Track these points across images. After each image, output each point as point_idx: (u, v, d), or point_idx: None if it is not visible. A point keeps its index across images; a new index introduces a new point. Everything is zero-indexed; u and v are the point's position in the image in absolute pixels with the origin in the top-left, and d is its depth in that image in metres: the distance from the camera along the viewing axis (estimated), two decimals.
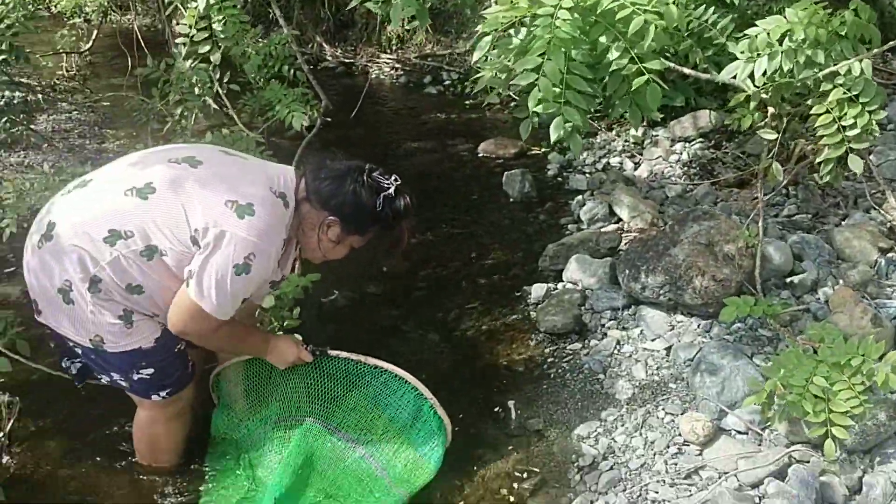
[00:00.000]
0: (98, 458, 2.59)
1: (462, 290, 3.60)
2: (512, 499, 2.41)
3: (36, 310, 2.21)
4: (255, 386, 2.50)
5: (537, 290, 3.39)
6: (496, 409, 2.77)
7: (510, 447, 2.61)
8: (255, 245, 2.05)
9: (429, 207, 4.39)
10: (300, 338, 2.51)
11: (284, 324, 2.94)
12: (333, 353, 2.42)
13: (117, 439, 2.61)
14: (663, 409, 2.59)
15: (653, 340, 2.93)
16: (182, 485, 2.50)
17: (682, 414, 2.55)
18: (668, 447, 2.44)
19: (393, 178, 2.21)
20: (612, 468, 2.42)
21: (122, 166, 2.21)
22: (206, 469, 2.53)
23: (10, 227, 3.16)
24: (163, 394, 2.31)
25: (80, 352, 2.24)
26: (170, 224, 2.05)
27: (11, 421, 2.66)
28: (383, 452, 2.38)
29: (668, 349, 2.86)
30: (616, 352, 2.94)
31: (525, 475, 2.48)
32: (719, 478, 2.27)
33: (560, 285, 3.44)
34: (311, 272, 3.05)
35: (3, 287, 3.54)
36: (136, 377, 2.24)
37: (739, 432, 2.43)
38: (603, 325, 3.09)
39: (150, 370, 2.23)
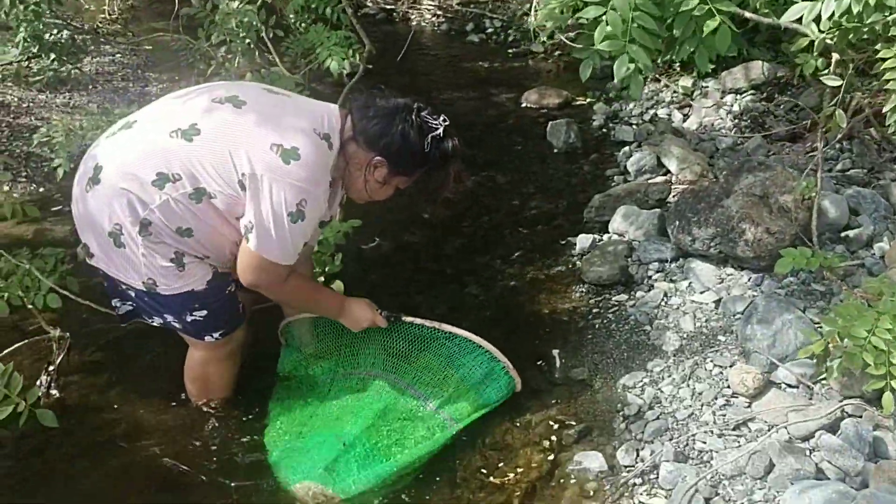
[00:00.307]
0: (147, 393, 2.62)
1: (505, 240, 3.57)
2: (556, 446, 2.39)
3: (87, 254, 2.22)
4: (326, 336, 2.53)
5: (582, 240, 3.35)
6: (539, 360, 2.74)
7: (554, 396, 2.59)
8: (304, 191, 2.02)
9: (471, 157, 4.34)
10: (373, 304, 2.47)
11: (326, 269, 2.93)
12: (408, 319, 2.43)
13: (167, 374, 2.62)
14: (712, 362, 2.55)
15: (701, 293, 2.88)
16: (235, 418, 2.53)
17: (730, 366, 2.50)
18: (716, 399, 2.41)
19: (441, 118, 2.16)
20: (658, 418, 2.40)
21: (165, 106, 2.18)
22: (271, 406, 2.54)
23: (63, 166, 3.18)
24: (216, 335, 2.32)
25: (132, 294, 2.24)
26: (216, 167, 2.03)
27: (62, 355, 2.70)
28: (453, 406, 2.41)
29: (718, 302, 2.81)
30: (663, 304, 2.90)
31: (569, 423, 2.47)
32: (769, 430, 2.23)
33: (606, 237, 3.39)
34: (352, 218, 3.04)
35: (52, 226, 3.58)
36: (189, 319, 2.25)
37: (790, 386, 2.39)
38: (650, 277, 3.04)
39: (203, 311, 2.24)
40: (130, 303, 2.33)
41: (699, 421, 2.34)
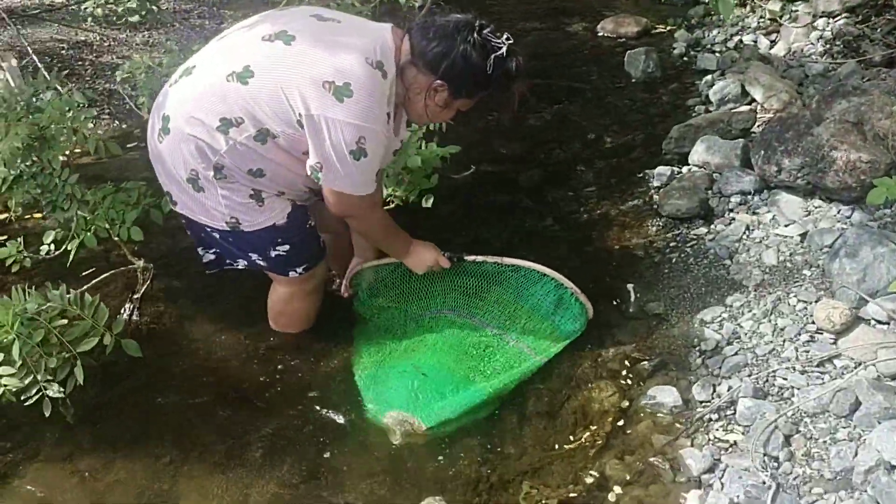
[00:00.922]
0: (229, 323, 2.68)
1: (579, 173, 3.48)
2: (629, 380, 2.35)
3: (171, 201, 2.28)
4: (396, 281, 2.53)
5: (660, 173, 3.24)
6: (614, 294, 2.68)
7: (628, 330, 2.54)
8: (360, 128, 1.98)
9: (544, 89, 4.24)
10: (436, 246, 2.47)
11: (421, 188, 2.94)
12: (470, 258, 2.42)
13: (251, 306, 2.67)
14: (795, 296, 2.45)
15: (786, 226, 2.75)
16: (319, 349, 2.57)
17: (816, 301, 2.40)
18: (800, 334, 2.31)
19: (504, 36, 2.05)
20: (737, 353, 2.32)
21: (218, 48, 2.14)
22: (355, 339, 2.57)
23: (147, 104, 3.20)
24: (299, 269, 2.36)
25: (216, 237, 2.28)
26: (274, 108, 2.01)
27: (145, 285, 2.79)
28: (529, 338, 2.42)
29: (804, 235, 2.68)
30: (745, 237, 2.78)
31: (643, 358, 2.42)
32: (856, 367, 2.14)
33: (685, 169, 3.27)
34: (451, 144, 2.99)
35: (134, 160, 3.66)
36: (273, 254, 2.28)
37: (880, 322, 2.27)
38: (731, 210, 2.93)
39: (286, 246, 2.27)
40: (214, 250, 2.38)
41: (780, 357, 2.26)
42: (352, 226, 2.39)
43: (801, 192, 2.83)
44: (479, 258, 2.44)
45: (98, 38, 4.78)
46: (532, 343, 2.42)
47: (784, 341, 2.31)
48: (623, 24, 4.82)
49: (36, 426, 2.24)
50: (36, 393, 2.12)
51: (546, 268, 2.43)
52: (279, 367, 2.51)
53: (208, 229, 2.25)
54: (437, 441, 2.22)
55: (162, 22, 5.03)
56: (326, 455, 2.20)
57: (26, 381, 2.09)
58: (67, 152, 2.78)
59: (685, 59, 4.42)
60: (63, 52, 4.52)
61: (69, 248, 2.71)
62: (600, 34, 4.88)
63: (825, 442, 1.97)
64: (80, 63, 4.45)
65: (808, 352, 2.25)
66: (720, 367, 2.29)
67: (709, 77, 3.96)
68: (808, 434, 2.01)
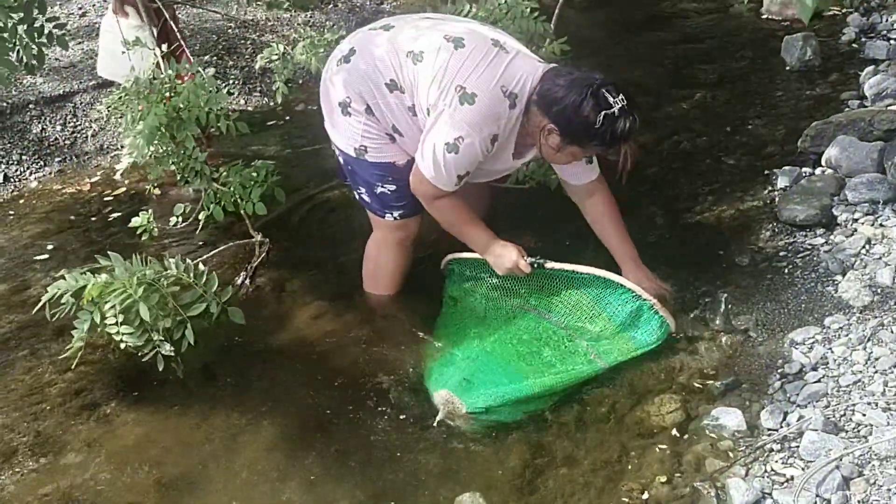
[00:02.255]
0: (330, 301, 2.82)
1: (706, 168, 3.30)
2: (699, 396, 2.23)
3: (324, 117, 2.54)
4: (485, 272, 2.56)
5: (786, 174, 3.00)
6: (704, 303, 2.54)
7: (710, 343, 2.40)
8: (463, 129, 2.22)
9: (690, 74, 4.03)
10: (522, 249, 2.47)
11: None
12: (550, 265, 2.43)
13: (354, 291, 2.80)
14: None
15: None
16: (405, 323, 2.69)
17: None
18: (894, 368, 2.08)
19: (620, 97, 2.17)
20: (819, 381, 2.13)
21: (416, 24, 2.42)
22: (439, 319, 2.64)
23: (281, 90, 3.30)
24: (396, 214, 2.55)
25: (341, 160, 2.56)
26: (422, 92, 2.29)
27: (260, 258, 2.98)
28: (601, 344, 2.38)
29: None
30: (863, 252, 2.53)
31: (719, 374, 2.28)
32: None
33: (818, 171, 3.00)
34: None
35: (270, 139, 3.90)
36: (378, 191, 2.50)
37: None
38: (855, 220, 2.66)
39: (393, 186, 2.48)
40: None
41: (865, 390, 2.05)
42: (428, 211, 2.49)
43: None
44: (558, 266, 2.43)
45: (263, 17, 5.07)
46: (602, 350, 2.36)
47: (875, 373, 2.09)
48: (790, 5, 4.43)
49: (148, 378, 2.48)
50: (150, 350, 2.36)
51: (623, 279, 2.39)
52: (366, 347, 2.61)
53: (338, 152, 2.53)
54: (486, 434, 2.24)
55: (325, 2, 5.26)
56: (374, 438, 2.27)
57: (143, 340, 2.33)
58: (207, 130, 3.01)
59: (853, 46, 4.03)
60: (230, 30, 4.85)
61: (199, 218, 2.96)
62: (764, 16, 4.54)
63: (889, 490, 1.78)
64: (242, 41, 4.76)
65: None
66: (797, 394, 2.12)
67: (871, 67, 3.59)
68: (871, 479, 1.82)
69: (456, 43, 2.29)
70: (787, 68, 3.91)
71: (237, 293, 2.87)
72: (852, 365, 2.14)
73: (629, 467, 2.08)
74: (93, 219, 3.38)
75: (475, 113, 2.22)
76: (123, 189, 3.56)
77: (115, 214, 3.39)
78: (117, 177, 3.29)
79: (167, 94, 2.84)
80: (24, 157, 3.84)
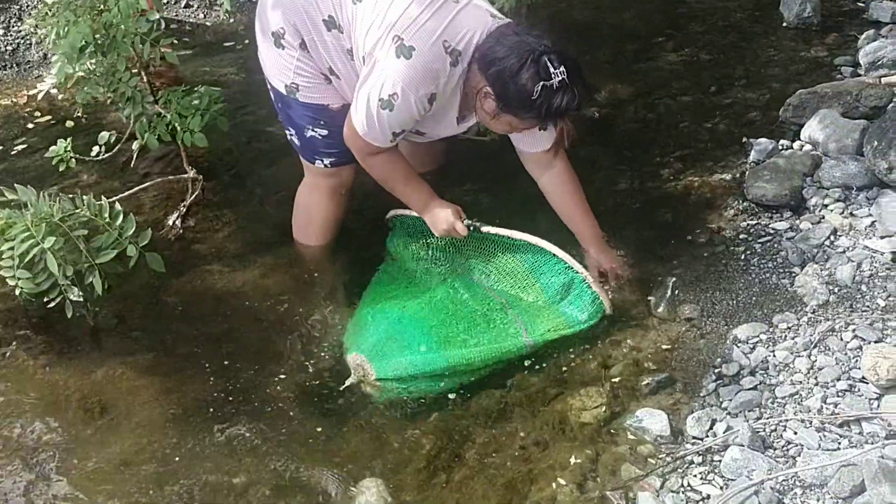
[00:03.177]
0: (262, 244, 2.68)
1: (681, 131, 3.08)
2: (627, 392, 2.08)
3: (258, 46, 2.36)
4: (424, 230, 2.41)
5: (761, 146, 2.78)
6: (651, 285, 2.36)
7: (649, 332, 2.24)
8: (398, 86, 2.04)
9: (683, 22, 3.75)
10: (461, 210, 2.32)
11: None
12: (486, 229, 2.29)
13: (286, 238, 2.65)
14: (854, 331, 2.03)
15: (882, 238, 2.28)
16: (339, 268, 2.58)
17: (875, 342, 1.98)
18: (838, 380, 1.92)
19: (561, 68, 1.96)
20: (755, 388, 1.97)
21: None
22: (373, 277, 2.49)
23: (226, 5, 3.10)
24: (326, 161, 2.38)
25: (272, 96, 2.37)
26: (359, 35, 2.11)
27: (193, 196, 2.79)
28: (530, 315, 2.25)
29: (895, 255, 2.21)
30: (828, 243, 2.34)
31: (652, 368, 2.12)
32: (885, 438, 1.74)
33: (797, 144, 2.78)
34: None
35: (222, 64, 3.66)
36: (308, 135, 2.33)
37: None
38: (825, 206, 2.46)
39: (325, 131, 2.31)
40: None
41: (801, 405, 1.89)
42: (362, 166, 2.33)
43: None
44: (493, 230, 2.29)
45: None
46: (530, 322, 2.22)
47: (815, 385, 1.93)
48: None
49: (58, 325, 2.34)
50: (57, 296, 2.20)
51: (559, 250, 2.24)
52: (288, 303, 2.47)
53: (269, 85, 2.35)
54: (398, 410, 2.13)
55: None
56: (279, 405, 2.15)
57: (45, 285, 2.16)
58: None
59: (859, 4, 3.73)
60: None
61: (133, 148, 2.76)
62: None
63: None
64: None
65: (836, 405, 1.86)
66: (730, 400, 1.96)
67: (870, 32, 3.31)
68: None
69: None
70: (784, 24, 3.63)
71: (167, 233, 2.70)
72: (793, 373, 1.97)
73: (543, 465, 1.94)
74: (16, 140, 3.16)
75: (411, 69, 2.03)
76: (59, 107, 3.33)
77: (41, 136, 3.17)
78: (39, 97, 3.04)
79: (100, 8, 2.58)
80: None
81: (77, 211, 2.22)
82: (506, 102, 2.03)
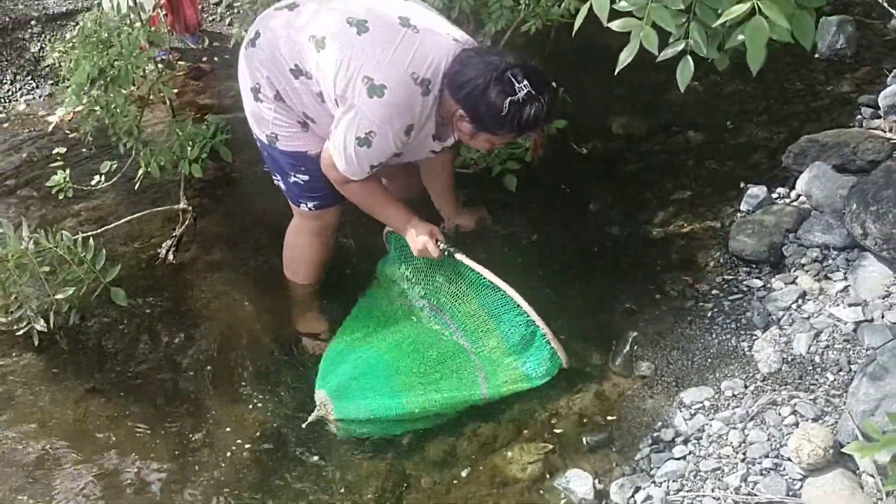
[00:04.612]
0: (252, 277, 2.83)
1: (685, 172, 3.05)
2: (566, 451, 2.14)
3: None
4: (409, 256, 2.49)
5: (753, 194, 2.73)
6: (611, 338, 2.40)
7: (601, 388, 2.29)
8: (374, 124, 2.12)
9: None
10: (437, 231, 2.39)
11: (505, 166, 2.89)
12: (460, 257, 2.35)
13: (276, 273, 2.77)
14: (794, 407, 2.02)
15: (850, 306, 2.23)
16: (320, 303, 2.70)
17: (811, 420, 1.96)
18: (765, 458, 1.93)
19: (525, 82, 2.02)
20: (683, 458, 2.00)
21: (315, 7, 2.26)
22: (360, 303, 2.60)
23: (236, 36, 3.28)
24: (311, 205, 2.48)
25: (259, 145, 2.48)
26: (328, 81, 2.17)
27: (184, 226, 2.95)
28: (491, 365, 2.32)
29: (859, 325, 2.17)
30: (794, 307, 2.30)
31: (597, 425, 2.18)
32: None
33: (793, 194, 2.73)
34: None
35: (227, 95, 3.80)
36: (291, 180, 2.43)
37: (868, 474, 1.82)
38: (802, 265, 2.42)
39: (306, 177, 2.40)
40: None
41: (721, 481, 1.91)
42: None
43: (895, 265, 2.26)
44: (466, 261, 2.34)
45: None
46: (491, 373, 2.28)
47: (740, 461, 1.94)
48: None
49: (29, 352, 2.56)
50: (25, 325, 2.42)
51: (521, 299, 2.26)
52: (268, 340, 2.62)
53: (255, 136, 2.45)
54: (349, 451, 2.25)
55: None
56: (239, 439, 2.30)
57: (15, 316, 2.39)
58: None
59: None
60: None
61: (135, 180, 2.94)
62: None
63: None
64: None
65: (756, 483, 1.87)
66: (658, 468, 2.00)
67: None
68: None
69: (359, 27, 2.15)
70: (816, 55, 3.51)
71: (161, 262, 2.87)
72: (722, 446, 1.99)
73: None
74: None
75: (386, 106, 2.11)
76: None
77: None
78: (49, 129, 3.27)
79: (109, 44, 2.78)
80: (17, 77, 3.88)
81: (49, 247, 2.39)
82: (479, 122, 2.11)
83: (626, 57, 1.64)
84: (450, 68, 2.11)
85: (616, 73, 1.73)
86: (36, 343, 2.45)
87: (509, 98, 2.01)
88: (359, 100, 2.11)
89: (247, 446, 2.27)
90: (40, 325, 2.40)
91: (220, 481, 2.19)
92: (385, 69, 2.10)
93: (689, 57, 1.66)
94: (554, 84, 2.17)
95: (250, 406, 2.40)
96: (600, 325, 2.46)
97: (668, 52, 1.68)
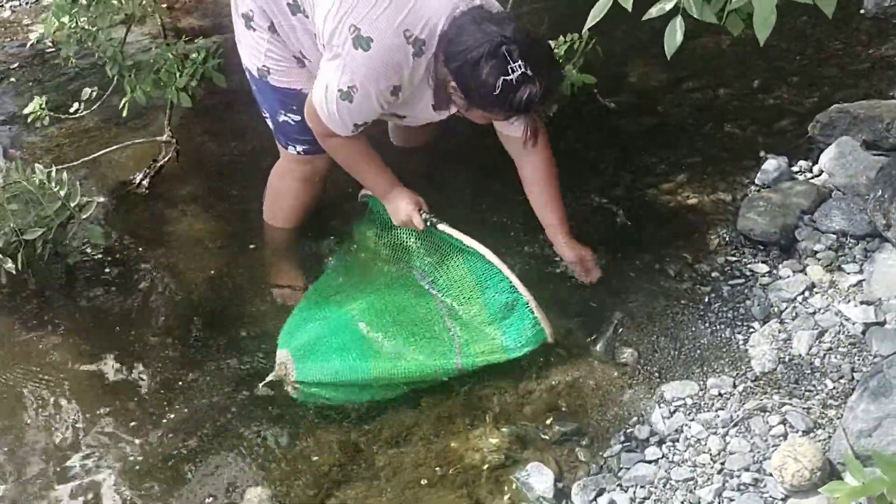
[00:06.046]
0: (226, 217, 2.67)
1: (700, 134, 2.81)
2: (532, 436, 1.97)
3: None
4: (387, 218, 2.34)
5: (771, 166, 2.49)
6: (598, 320, 2.20)
7: (579, 373, 2.10)
8: (356, 79, 1.96)
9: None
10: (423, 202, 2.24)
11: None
12: (443, 228, 2.19)
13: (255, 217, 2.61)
14: (783, 415, 1.82)
15: (860, 304, 2.01)
16: (301, 256, 2.54)
17: (802, 433, 1.77)
18: (746, 471, 1.74)
19: (520, 62, 1.81)
20: (654, 462, 1.82)
21: None
22: (330, 261, 2.48)
23: None
24: (300, 148, 2.33)
25: (247, 76, 2.32)
26: (318, 23, 2.01)
27: (166, 158, 2.80)
28: (469, 332, 2.16)
29: (868, 328, 1.95)
30: (800, 300, 2.09)
31: (568, 414, 2.00)
32: None
33: (815, 169, 2.48)
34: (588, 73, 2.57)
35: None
36: (281, 119, 2.28)
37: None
38: (814, 253, 2.19)
39: (297, 117, 2.24)
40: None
41: (693, 493, 1.73)
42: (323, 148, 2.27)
43: None
44: (450, 231, 2.19)
45: None
46: (466, 340, 2.13)
47: (716, 473, 1.76)
48: None
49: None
50: None
51: (504, 266, 2.10)
52: (237, 286, 2.47)
53: (244, 67, 2.30)
54: (306, 418, 2.10)
55: None
56: (191, 394, 2.17)
57: None
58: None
59: None
60: None
61: (121, 106, 2.77)
62: None
63: None
64: None
65: (731, 501, 1.69)
66: (627, 470, 1.82)
67: None
68: None
69: None
70: (862, 11, 3.20)
71: (132, 192, 2.73)
72: (699, 453, 1.80)
73: None
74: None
75: (370, 61, 1.93)
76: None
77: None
78: (27, 46, 3.09)
79: None
80: None
81: (20, 181, 2.25)
82: (469, 98, 1.93)
83: (597, 13, 1.41)
84: (446, 31, 1.92)
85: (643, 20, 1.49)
86: (2, 281, 2.32)
87: (502, 77, 1.81)
88: (343, 49, 1.95)
89: (193, 402, 2.14)
90: (8, 266, 2.26)
91: (162, 440, 2.06)
92: (375, 21, 1.91)
93: (680, 17, 1.41)
94: (559, 59, 1.91)
95: (208, 360, 2.26)
96: (585, 300, 2.26)
97: (654, 11, 1.43)
